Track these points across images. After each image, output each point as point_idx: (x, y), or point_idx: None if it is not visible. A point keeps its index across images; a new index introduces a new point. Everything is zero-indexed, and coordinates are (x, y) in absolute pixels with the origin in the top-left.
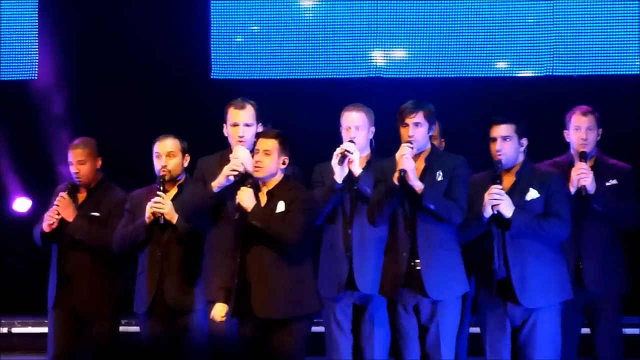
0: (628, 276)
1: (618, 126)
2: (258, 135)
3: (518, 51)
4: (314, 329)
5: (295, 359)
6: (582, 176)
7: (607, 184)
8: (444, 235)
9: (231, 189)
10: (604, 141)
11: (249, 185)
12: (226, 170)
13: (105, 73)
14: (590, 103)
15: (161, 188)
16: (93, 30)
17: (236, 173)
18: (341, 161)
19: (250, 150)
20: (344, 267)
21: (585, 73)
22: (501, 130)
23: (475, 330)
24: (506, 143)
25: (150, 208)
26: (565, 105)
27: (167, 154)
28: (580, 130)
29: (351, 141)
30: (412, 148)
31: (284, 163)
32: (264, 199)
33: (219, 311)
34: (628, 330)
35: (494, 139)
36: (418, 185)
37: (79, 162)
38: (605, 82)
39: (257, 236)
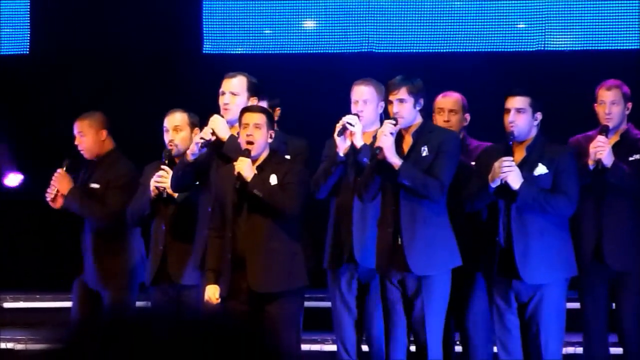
0: None
1: None
2: (244, 110)
3: (511, 26)
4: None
5: (290, 333)
6: (598, 149)
7: (631, 158)
8: (429, 211)
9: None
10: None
11: (246, 155)
12: (197, 137)
13: (96, 48)
14: (587, 78)
15: (166, 162)
16: (83, 4)
17: (203, 141)
18: (340, 133)
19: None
20: (347, 241)
21: (579, 48)
22: (516, 102)
23: None
24: (520, 115)
25: (153, 182)
26: (559, 80)
27: (174, 128)
28: (604, 104)
29: (356, 114)
30: (394, 124)
31: (270, 137)
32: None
33: (213, 293)
34: None
35: (508, 110)
36: (395, 162)
37: (79, 133)
38: (602, 56)
39: (253, 208)
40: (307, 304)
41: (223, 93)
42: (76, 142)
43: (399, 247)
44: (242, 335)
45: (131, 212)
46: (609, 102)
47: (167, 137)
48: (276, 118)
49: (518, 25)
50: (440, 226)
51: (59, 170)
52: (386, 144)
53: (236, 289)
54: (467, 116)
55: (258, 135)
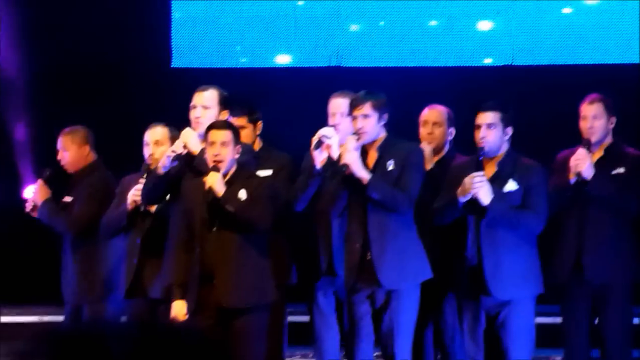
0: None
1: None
2: (210, 127)
3: (481, 39)
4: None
5: (256, 348)
6: (578, 162)
7: (614, 172)
8: (397, 224)
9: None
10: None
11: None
12: (168, 150)
13: (65, 63)
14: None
15: (145, 176)
16: (52, 20)
17: (174, 154)
18: (317, 146)
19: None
20: (327, 253)
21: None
22: (486, 117)
23: None
24: (490, 131)
25: (131, 195)
26: (526, 94)
27: (155, 142)
28: (586, 119)
29: (332, 127)
30: (357, 140)
31: (237, 152)
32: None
33: (180, 309)
34: None
35: (479, 126)
36: (363, 176)
37: (62, 148)
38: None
39: (224, 223)
40: (292, 318)
41: (194, 106)
42: (58, 157)
43: (368, 262)
44: (207, 351)
45: (106, 223)
46: (591, 116)
47: (147, 151)
48: (258, 132)
49: (487, 39)
50: (409, 239)
51: (38, 181)
52: (352, 159)
53: (203, 304)
54: (452, 130)
55: (225, 152)
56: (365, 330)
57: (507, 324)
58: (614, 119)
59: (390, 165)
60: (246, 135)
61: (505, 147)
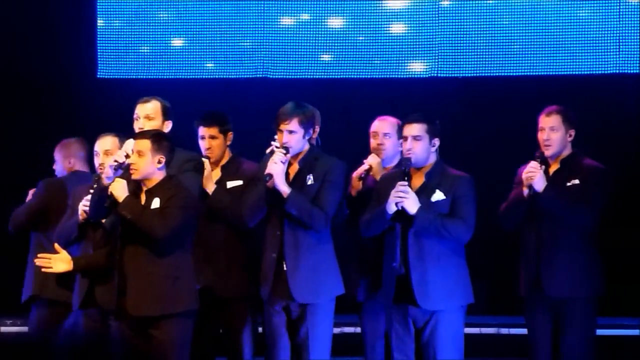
0: (600, 276)
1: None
2: (134, 137)
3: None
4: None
5: (176, 358)
6: (529, 174)
7: (569, 184)
8: (313, 239)
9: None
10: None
11: (125, 177)
12: (110, 160)
13: None
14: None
15: (94, 186)
16: None
17: (116, 164)
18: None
19: None
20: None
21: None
22: (412, 129)
23: None
24: (417, 142)
25: (81, 206)
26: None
27: (105, 152)
28: (543, 131)
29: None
30: (285, 154)
31: (159, 162)
32: (144, 199)
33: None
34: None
35: (406, 138)
36: (284, 190)
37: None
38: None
39: (132, 232)
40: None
41: (137, 118)
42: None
43: (282, 273)
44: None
45: (58, 234)
46: (548, 129)
47: (97, 161)
48: (228, 142)
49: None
50: (323, 254)
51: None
52: (276, 171)
53: (122, 313)
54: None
55: (140, 162)
56: (281, 340)
57: (434, 334)
58: (572, 132)
59: (310, 180)
60: (217, 145)
61: (433, 158)
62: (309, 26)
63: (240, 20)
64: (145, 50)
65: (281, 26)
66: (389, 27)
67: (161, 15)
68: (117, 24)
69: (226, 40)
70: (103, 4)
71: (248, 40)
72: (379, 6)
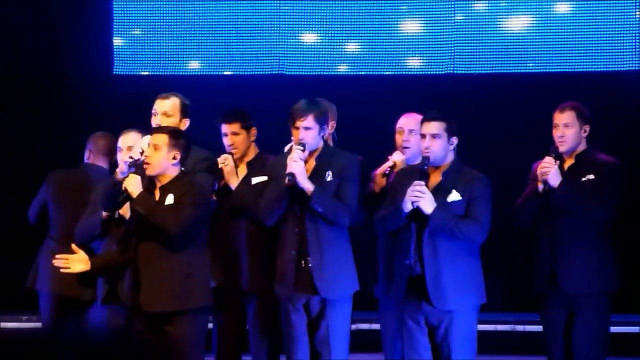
0: (616, 271)
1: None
2: (151, 131)
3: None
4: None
5: (191, 354)
6: (544, 170)
7: (583, 179)
8: (334, 234)
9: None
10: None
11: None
12: (125, 156)
13: (5, 70)
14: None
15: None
16: None
17: (131, 160)
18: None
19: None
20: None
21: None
22: (431, 127)
23: None
24: (435, 141)
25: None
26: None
27: (128, 148)
28: (557, 127)
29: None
30: (302, 150)
31: (174, 158)
32: (158, 195)
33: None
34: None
35: (424, 136)
36: (308, 187)
37: None
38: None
39: (146, 228)
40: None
41: (155, 114)
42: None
43: (304, 270)
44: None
45: (80, 230)
46: (562, 125)
47: (119, 157)
48: (252, 138)
49: (430, 49)
50: (344, 249)
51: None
52: (297, 169)
53: (136, 310)
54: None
55: (155, 156)
56: (301, 340)
57: (448, 334)
58: (587, 127)
59: (329, 176)
60: (240, 141)
61: (450, 157)
62: (327, 23)
63: (256, 18)
64: (162, 47)
65: (299, 22)
66: (404, 24)
67: (177, 12)
68: (133, 21)
69: (243, 38)
70: (119, 1)
71: (264, 39)
72: (395, 4)
